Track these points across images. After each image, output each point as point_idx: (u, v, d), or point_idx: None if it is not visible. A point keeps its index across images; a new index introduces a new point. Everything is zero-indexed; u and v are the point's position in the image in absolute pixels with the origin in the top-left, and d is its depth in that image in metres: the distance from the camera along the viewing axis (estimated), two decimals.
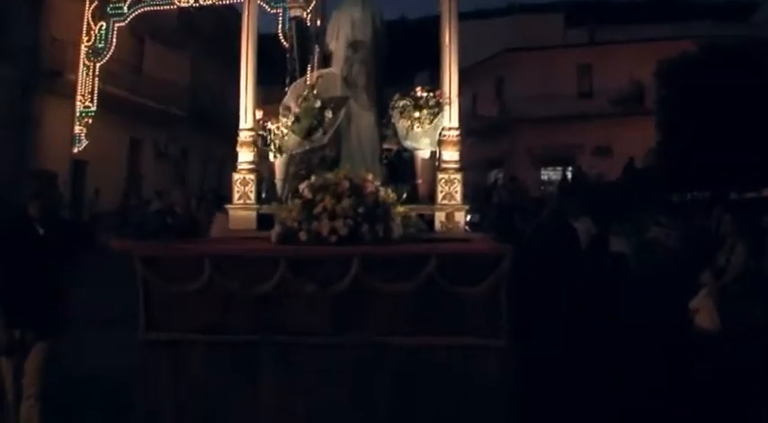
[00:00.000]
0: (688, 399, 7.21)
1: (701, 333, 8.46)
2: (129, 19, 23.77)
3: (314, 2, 8.88)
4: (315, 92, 7.06)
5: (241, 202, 6.92)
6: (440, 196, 6.67)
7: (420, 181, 6.96)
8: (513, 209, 17.16)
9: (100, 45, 23.75)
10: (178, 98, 34.54)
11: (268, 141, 7.00)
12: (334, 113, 6.99)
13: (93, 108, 24.47)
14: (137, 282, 5.92)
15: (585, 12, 43.56)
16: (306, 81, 7.49)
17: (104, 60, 24.05)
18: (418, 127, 6.77)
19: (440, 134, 6.82)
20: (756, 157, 19.12)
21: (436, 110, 6.76)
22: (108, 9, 23.57)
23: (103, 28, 23.56)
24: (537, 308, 7.77)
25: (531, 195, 24.33)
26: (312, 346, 5.73)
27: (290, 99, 7.19)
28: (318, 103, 6.95)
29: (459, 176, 6.72)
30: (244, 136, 7.01)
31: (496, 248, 6.06)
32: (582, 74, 41.31)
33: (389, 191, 6.27)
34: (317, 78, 7.36)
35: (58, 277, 6.40)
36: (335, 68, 7.49)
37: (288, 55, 8.21)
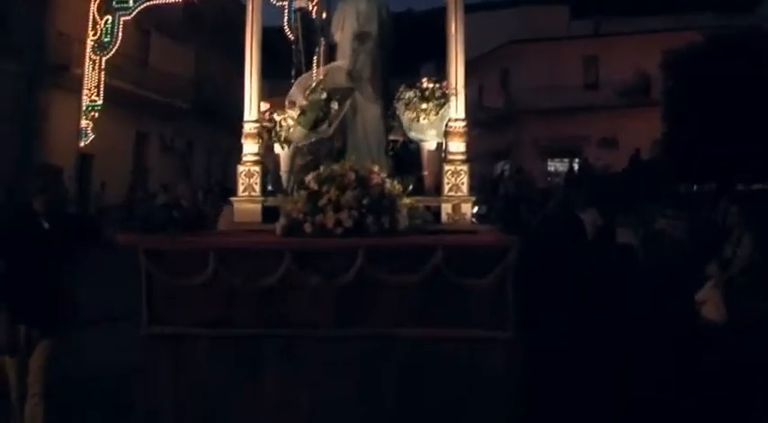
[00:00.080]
0: (694, 390, 7.20)
1: (707, 325, 8.44)
2: (134, 13, 23.76)
3: None
4: (322, 86, 7.05)
5: (246, 194, 6.89)
6: (446, 188, 6.65)
7: (426, 172, 6.93)
8: (520, 200, 17.12)
9: (106, 39, 23.72)
10: (183, 91, 34.54)
11: (273, 133, 6.99)
12: (339, 105, 6.97)
13: (100, 102, 24.47)
14: (140, 275, 5.91)
15: (590, 3, 43.37)
16: (312, 75, 7.47)
17: (110, 54, 24.05)
18: (424, 118, 6.74)
19: (446, 125, 6.79)
20: (763, 148, 19.05)
21: (442, 101, 6.73)
22: (113, 3, 23.55)
23: (109, 22, 23.57)
24: (543, 299, 7.74)
25: (537, 187, 24.26)
26: (317, 339, 5.70)
27: (296, 93, 7.18)
28: (325, 95, 6.93)
29: (465, 168, 6.70)
30: (248, 128, 6.98)
31: (503, 240, 6.04)
32: (587, 65, 41.28)
33: (395, 182, 6.23)
34: (325, 74, 7.35)
35: (62, 273, 6.34)
36: (341, 60, 7.47)
37: (293, 47, 8.19)
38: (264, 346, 5.78)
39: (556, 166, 41.50)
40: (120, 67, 26.43)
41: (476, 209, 7.73)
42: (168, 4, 25.39)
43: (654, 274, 10.66)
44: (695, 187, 21.96)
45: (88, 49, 23.72)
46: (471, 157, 6.87)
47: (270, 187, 7.13)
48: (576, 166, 33.88)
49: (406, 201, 6.21)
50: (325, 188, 5.94)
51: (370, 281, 5.66)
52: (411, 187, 6.47)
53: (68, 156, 23.60)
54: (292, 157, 7.08)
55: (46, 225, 6.20)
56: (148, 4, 23.66)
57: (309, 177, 6.12)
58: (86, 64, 23.93)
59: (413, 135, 6.94)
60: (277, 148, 7.10)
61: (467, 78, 6.86)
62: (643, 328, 8.54)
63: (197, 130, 36.84)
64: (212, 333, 5.82)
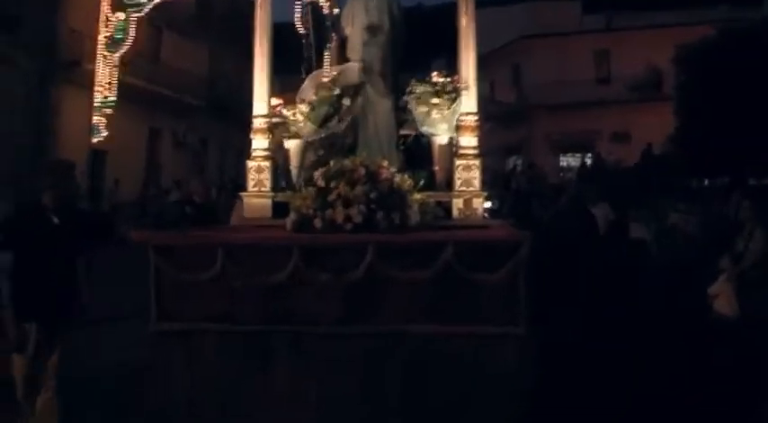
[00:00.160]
0: (706, 385, 7.16)
1: (719, 319, 8.40)
2: (146, 10, 23.72)
3: None
4: (334, 83, 7.04)
5: (256, 189, 6.87)
6: (457, 183, 6.60)
7: (437, 167, 6.90)
8: (532, 195, 17.09)
9: (118, 36, 23.67)
10: (196, 88, 34.55)
11: (283, 129, 6.97)
12: (351, 101, 6.95)
13: (113, 99, 24.42)
14: (149, 271, 5.90)
15: None
16: (323, 72, 7.46)
17: (122, 51, 23.99)
18: (437, 113, 6.70)
19: (457, 120, 6.76)
20: None
21: (454, 95, 6.69)
22: (125, 0, 23.52)
23: (121, 19, 23.50)
24: (555, 294, 7.71)
25: (549, 182, 24.21)
26: (326, 335, 5.69)
27: (306, 89, 7.16)
28: (337, 91, 6.91)
29: (477, 163, 6.65)
30: (258, 123, 6.96)
31: (515, 235, 6.00)
32: (599, 60, 41.12)
33: (406, 177, 6.19)
34: (339, 73, 7.33)
35: (72, 269, 6.30)
36: (351, 55, 7.45)
37: (303, 41, 8.18)
38: (273, 342, 5.77)
39: (568, 161, 41.35)
40: (132, 64, 26.41)
41: (487, 204, 7.70)
42: (180, 1, 25.35)
43: (666, 269, 10.62)
44: (706, 182, 21.82)
45: (100, 46, 23.72)
46: (483, 152, 6.83)
47: (284, 183, 7.11)
48: (588, 161, 33.74)
49: (417, 196, 6.17)
50: (333, 184, 5.92)
51: (381, 277, 5.63)
52: (422, 182, 6.43)
53: (81, 152, 23.57)
54: (303, 153, 7.07)
55: (56, 220, 6.18)
56: (160, 0, 23.66)
57: (318, 173, 6.09)
58: (98, 61, 23.92)
59: (424, 129, 6.91)
60: (287, 143, 7.08)
61: (478, 73, 6.83)
62: (655, 322, 8.50)
63: (210, 127, 36.84)
64: (221, 328, 5.82)
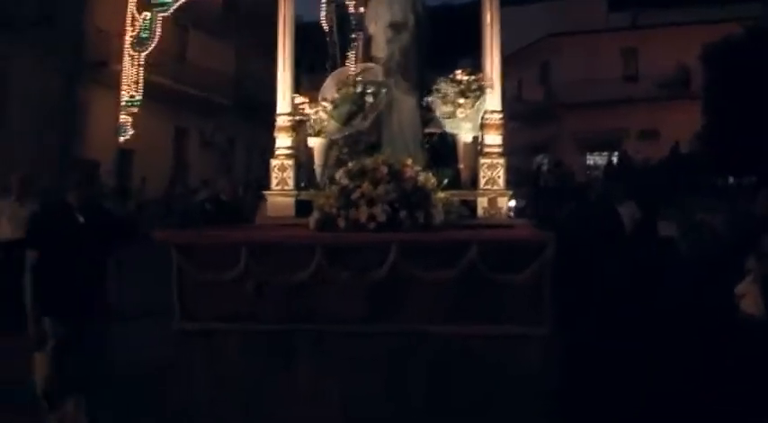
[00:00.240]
0: (733, 386, 7.06)
1: (747, 319, 8.29)
2: (172, 9, 23.82)
3: None
4: (357, 79, 7.01)
5: (279, 188, 6.86)
6: (482, 181, 6.58)
7: (462, 165, 6.86)
8: (557, 194, 17.00)
9: (144, 35, 23.79)
10: (223, 87, 34.63)
11: (307, 126, 6.95)
12: (374, 98, 6.91)
13: (139, 98, 24.53)
14: (171, 271, 5.89)
15: None
16: (346, 70, 7.43)
17: (149, 50, 24.10)
18: (461, 112, 6.67)
19: (482, 118, 6.71)
20: None
21: (478, 93, 6.65)
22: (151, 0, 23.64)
23: (147, 18, 23.62)
24: (580, 294, 7.65)
25: (576, 180, 24.09)
26: (349, 334, 5.64)
27: (329, 87, 7.13)
28: (360, 88, 6.88)
29: (501, 161, 6.62)
30: (281, 121, 6.95)
31: (540, 235, 5.94)
32: (627, 58, 40.94)
33: (430, 176, 6.14)
34: (362, 70, 7.30)
35: (97, 267, 6.28)
36: (375, 52, 7.42)
37: (327, 39, 8.17)
38: (296, 340, 5.74)
39: (595, 159, 41.14)
40: (158, 63, 26.54)
41: (513, 203, 7.65)
42: (205, 0, 25.48)
43: (694, 268, 10.50)
44: (732, 180, 21.64)
45: (127, 46, 23.84)
46: (510, 150, 6.78)
47: (305, 183, 7.08)
48: (615, 160, 33.56)
49: (441, 195, 6.12)
50: (356, 183, 5.87)
51: (404, 276, 5.58)
52: (446, 181, 6.39)
53: (108, 151, 23.73)
54: (327, 151, 7.04)
55: (81, 219, 6.17)
56: (186, 0, 23.73)
57: (340, 172, 6.06)
58: (125, 60, 24.04)
59: (449, 128, 6.87)
60: (311, 141, 7.05)
61: (506, 72, 6.78)
62: (681, 322, 8.40)
63: (238, 126, 36.93)
64: (244, 328, 5.79)
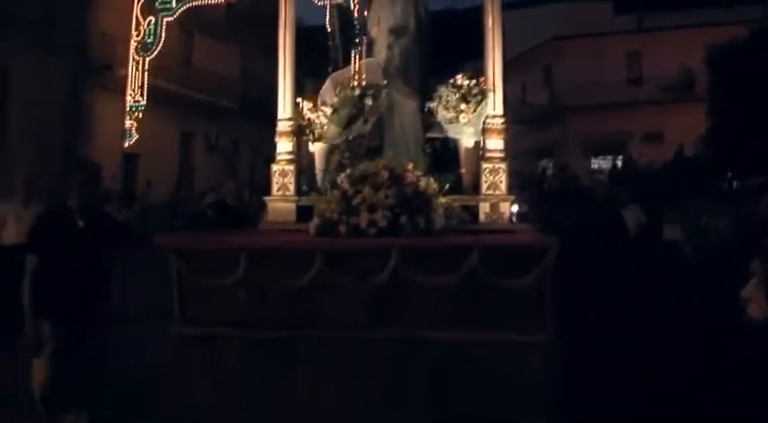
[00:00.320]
0: (740, 391, 7.02)
1: (752, 323, 8.26)
2: (177, 13, 23.83)
3: None
4: (356, 82, 6.99)
5: (280, 193, 6.84)
6: (484, 186, 6.56)
7: (464, 170, 6.83)
8: (562, 198, 16.96)
9: (149, 40, 23.80)
10: (228, 90, 34.63)
11: (307, 131, 6.93)
12: (374, 100, 6.89)
13: (144, 102, 24.55)
14: (171, 275, 5.87)
15: None
16: (344, 72, 7.41)
17: (153, 55, 24.13)
18: (463, 118, 6.65)
19: (484, 122, 6.68)
20: None
21: (479, 98, 6.63)
22: (156, 4, 23.66)
23: (152, 23, 23.66)
24: (582, 299, 7.61)
25: (581, 184, 24.04)
26: (350, 340, 5.63)
27: (327, 90, 7.12)
28: (358, 91, 6.86)
29: (503, 166, 6.60)
30: (282, 126, 6.94)
31: (542, 240, 5.92)
32: (631, 60, 40.84)
33: (431, 181, 6.11)
34: (359, 70, 7.27)
35: (97, 271, 6.24)
36: (377, 55, 7.40)
37: (330, 43, 8.15)
38: (296, 346, 5.72)
39: (599, 163, 41.01)
40: (163, 68, 26.57)
41: (515, 208, 7.62)
42: (210, 5, 25.46)
43: (699, 271, 10.47)
44: (735, 183, 21.60)
45: (131, 50, 23.88)
46: (514, 154, 6.76)
47: (306, 187, 7.06)
48: (619, 163, 33.49)
49: (442, 200, 6.10)
50: (357, 187, 5.85)
51: (405, 281, 5.56)
52: (448, 186, 6.36)
53: (114, 156, 23.66)
54: (328, 156, 7.02)
55: (80, 223, 6.14)
56: (191, 5, 23.75)
57: (341, 177, 6.03)
58: (130, 64, 24.08)
59: (451, 134, 6.85)
60: (312, 146, 7.03)
61: (509, 75, 6.78)
62: (687, 327, 8.37)
63: (242, 129, 36.92)
64: (243, 333, 5.77)
